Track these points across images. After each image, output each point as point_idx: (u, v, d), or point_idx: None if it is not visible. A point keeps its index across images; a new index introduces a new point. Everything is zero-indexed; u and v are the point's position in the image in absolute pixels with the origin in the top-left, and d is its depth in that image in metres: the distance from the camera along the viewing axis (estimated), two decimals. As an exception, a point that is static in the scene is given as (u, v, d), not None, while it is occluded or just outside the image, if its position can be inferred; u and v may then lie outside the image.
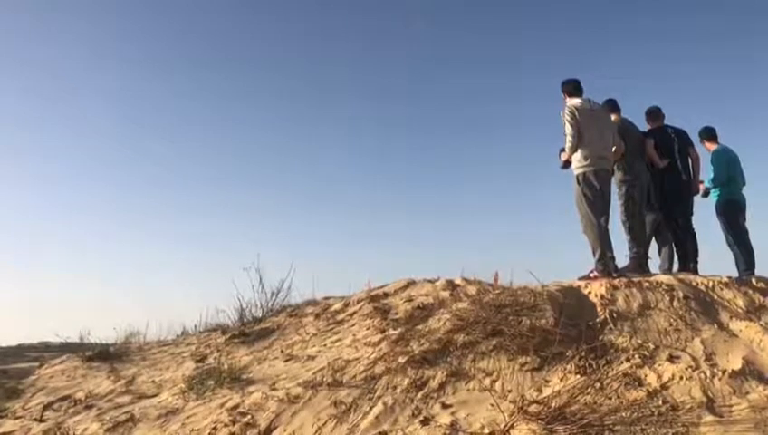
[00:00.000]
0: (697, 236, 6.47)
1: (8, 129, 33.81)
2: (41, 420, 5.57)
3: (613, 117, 6.32)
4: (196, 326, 9.33)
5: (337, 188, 38.16)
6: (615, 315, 4.55)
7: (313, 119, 37.73)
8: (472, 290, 6.32)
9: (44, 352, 11.00)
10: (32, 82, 33.50)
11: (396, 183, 37.69)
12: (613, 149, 5.98)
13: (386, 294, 7.22)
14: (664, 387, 3.49)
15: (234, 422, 4.22)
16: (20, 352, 11.57)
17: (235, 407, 4.53)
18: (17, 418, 5.85)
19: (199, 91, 36.32)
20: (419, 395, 3.95)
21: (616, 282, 5.09)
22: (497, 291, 5.46)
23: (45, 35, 32.88)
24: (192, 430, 4.39)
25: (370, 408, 3.91)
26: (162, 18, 33.70)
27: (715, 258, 7.08)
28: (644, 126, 6.63)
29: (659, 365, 3.75)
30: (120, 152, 36.63)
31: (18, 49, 32.17)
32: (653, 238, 6.52)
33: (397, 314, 6.15)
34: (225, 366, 5.58)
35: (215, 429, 4.22)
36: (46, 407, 6.03)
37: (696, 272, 6.07)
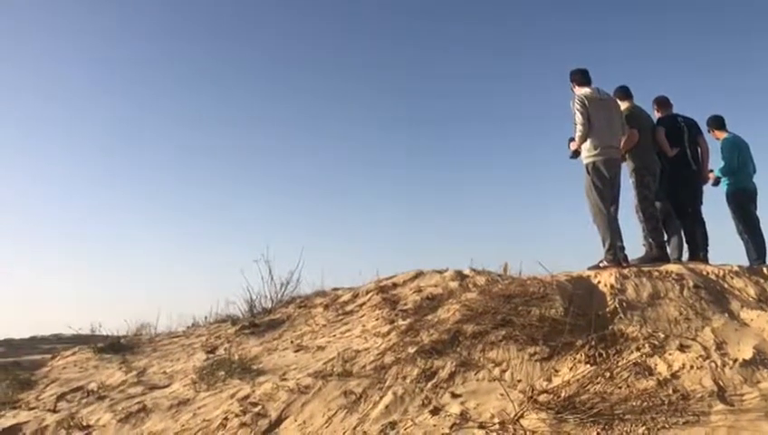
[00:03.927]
0: (707, 225, 6.44)
1: (24, 124, 34.00)
2: (54, 411, 5.64)
3: (626, 104, 6.26)
4: (206, 318, 9.39)
5: (346, 180, 38.17)
6: (625, 305, 4.54)
7: (321, 114, 37.74)
8: (481, 280, 6.32)
9: (57, 343, 11.10)
10: (35, 80, 33.62)
11: (404, 174, 37.64)
12: (624, 137, 5.94)
13: (395, 285, 7.23)
14: (674, 376, 3.49)
15: (244, 412, 4.25)
16: (33, 344, 11.69)
17: (246, 397, 4.56)
18: (31, 408, 5.92)
19: (214, 89, 36.47)
20: (429, 385, 3.96)
21: (626, 271, 5.07)
22: (506, 281, 5.45)
23: (44, 35, 32.97)
24: (203, 419, 4.43)
25: (380, 398, 3.93)
26: (166, 16, 33.70)
27: (726, 247, 7.05)
28: (650, 114, 6.57)
29: (670, 354, 3.74)
30: (129, 147, 36.77)
31: (18, 48, 32.29)
32: (662, 228, 6.48)
33: (406, 304, 6.17)
34: (236, 357, 5.62)
35: (226, 419, 4.25)
36: (59, 398, 6.10)
37: (706, 261, 6.03)
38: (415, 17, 33.67)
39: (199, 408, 4.73)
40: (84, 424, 5.03)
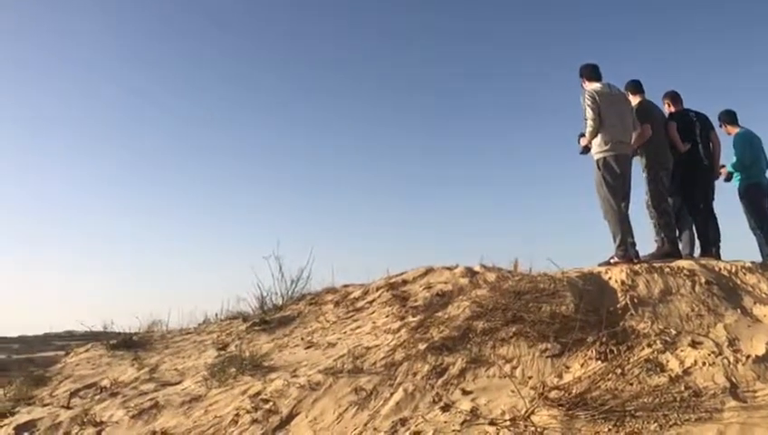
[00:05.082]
0: (719, 220, 6.39)
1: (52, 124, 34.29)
2: (68, 407, 5.68)
3: (637, 98, 6.21)
4: (217, 314, 9.41)
5: (355, 176, 38.23)
6: (636, 301, 4.52)
7: (331, 111, 37.81)
8: (491, 277, 6.31)
9: (70, 340, 11.20)
10: (45, 80, 33.84)
11: (414, 170, 37.62)
12: (636, 133, 5.90)
13: (405, 282, 7.23)
14: (686, 373, 3.47)
15: (256, 409, 4.27)
16: (46, 340, 11.80)
17: (257, 394, 4.58)
18: (45, 405, 5.97)
19: (225, 88, 36.73)
20: (440, 382, 3.96)
21: (637, 267, 5.04)
22: (517, 277, 5.44)
23: (46, 36, 33.20)
24: (215, 416, 4.45)
25: (391, 394, 3.94)
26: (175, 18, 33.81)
27: (738, 243, 7.00)
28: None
29: (682, 351, 3.72)
30: (138, 147, 37.04)
31: (20, 48, 32.55)
32: (674, 223, 6.44)
33: (416, 301, 6.16)
34: (247, 354, 5.64)
35: (237, 415, 4.27)
36: (73, 394, 6.15)
37: (718, 257, 5.99)
38: (428, 14, 33.61)
39: (211, 404, 4.76)
40: (97, 420, 5.07)
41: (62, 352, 9.16)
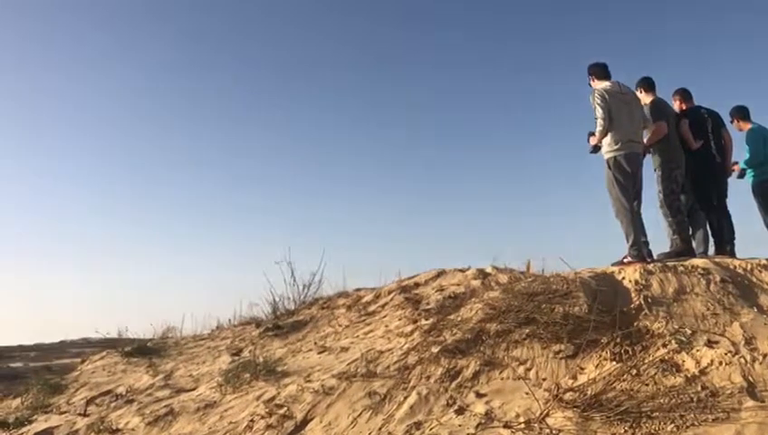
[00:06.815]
0: (733, 217, 6.33)
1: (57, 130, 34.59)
2: (85, 415, 5.73)
3: (650, 96, 6.16)
4: (230, 320, 9.47)
5: (367, 180, 38.27)
6: (650, 301, 4.48)
7: (340, 113, 37.88)
8: (503, 278, 6.29)
9: (85, 347, 11.30)
10: (58, 85, 34.14)
11: (425, 173, 37.60)
12: (650, 131, 5.86)
13: (417, 285, 7.23)
14: (702, 373, 3.43)
15: (270, 414, 4.28)
16: (62, 348, 11.91)
17: (272, 399, 4.59)
18: (62, 413, 6.03)
19: (235, 92, 36.96)
20: (453, 385, 3.95)
21: (650, 267, 5.00)
22: (529, 279, 5.41)
23: (53, 37, 33.50)
24: (230, 422, 4.47)
25: (405, 398, 3.93)
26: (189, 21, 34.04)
27: (753, 240, 6.93)
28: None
29: (697, 350, 3.68)
30: (156, 148, 37.32)
31: (27, 50, 32.86)
32: (688, 221, 6.38)
33: (428, 303, 6.16)
34: (261, 359, 5.66)
35: (252, 421, 4.29)
36: (89, 402, 6.21)
37: (732, 255, 5.93)
38: (436, 15, 33.63)
39: (226, 410, 4.78)
40: (114, 428, 5.11)
41: (78, 360, 9.25)
